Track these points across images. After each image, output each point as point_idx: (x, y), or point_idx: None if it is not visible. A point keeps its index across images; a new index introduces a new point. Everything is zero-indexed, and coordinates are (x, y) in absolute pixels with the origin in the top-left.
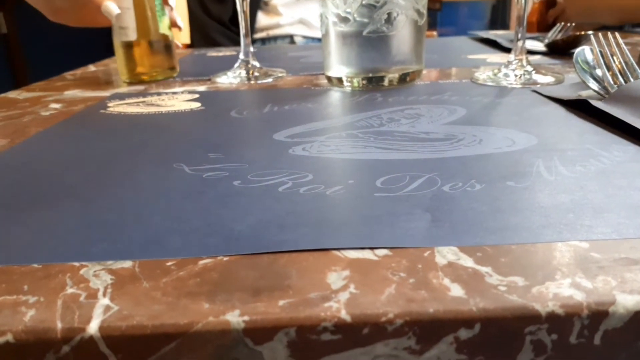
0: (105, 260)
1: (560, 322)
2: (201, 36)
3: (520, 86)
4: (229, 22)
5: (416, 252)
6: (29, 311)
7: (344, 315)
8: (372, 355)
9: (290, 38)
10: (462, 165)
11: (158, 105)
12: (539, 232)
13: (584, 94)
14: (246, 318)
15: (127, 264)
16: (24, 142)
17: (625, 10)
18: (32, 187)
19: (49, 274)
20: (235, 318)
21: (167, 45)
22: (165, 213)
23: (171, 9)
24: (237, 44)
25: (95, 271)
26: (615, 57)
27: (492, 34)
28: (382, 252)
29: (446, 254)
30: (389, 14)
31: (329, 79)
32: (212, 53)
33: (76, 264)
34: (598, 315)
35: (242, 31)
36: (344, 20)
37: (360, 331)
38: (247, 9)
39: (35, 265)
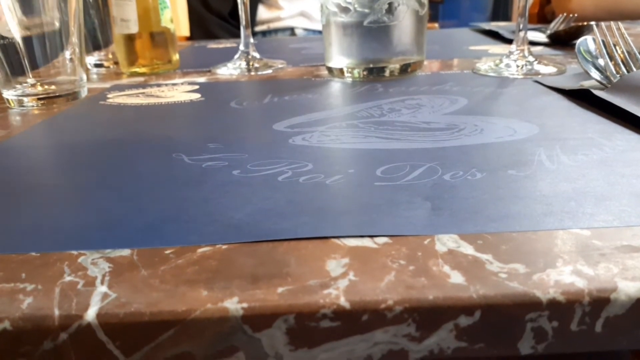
0: (104, 249)
1: (561, 309)
2: (201, 30)
3: (522, 77)
4: (228, 16)
5: (416, 240)
6: (26, 299)
7: (343, 302)
8: (371, 342)
9: (291, 31)
10: (463, 155)
11: (158, 97)
12: (540, 220)
13: (586, 84)
14: (245, 305)
15: (126, 252)
16: (23, 132)
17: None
18: (30, 177)
19: (47, 262)
20: (233, 305)
21: (168, 38)
22: (163, 202)
23: None
24: (237, 37)
25: (93, 259)
26: (617, 47)
27: (494, 26)
28: (381, 240)
29: (446, 242)
30: (390, 4)
31: (330, 69)
32: (212, 45)
33: (74, 252)
34: (599, 302)
35: (242, 22)
36: (345, 10)
37: (359, 318)
38: (247, 0)
39: (34, 254)
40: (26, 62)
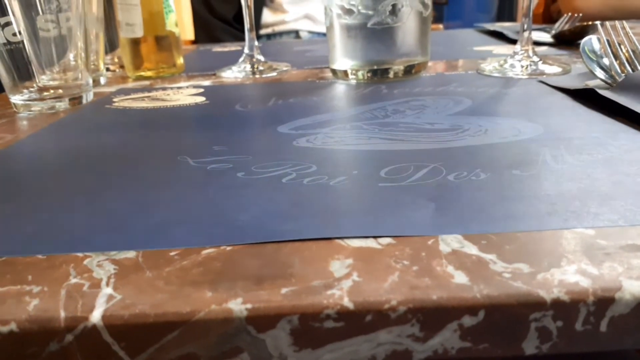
0: (109, 251)
1: (565, 308)
2: (205, 35)
3: (526, 77)
4: (233, 20)
5: (420, 240)
6: (32, 301)
7: (347, 302)
8: (375, 342)
9: (296, 33)
10: (467, 155)
11: (163, 100)
12: (544, 219)
13: (591, 83)
14: (249, 306)
15: (131, 254)
16: (30, 136)
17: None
18: (37, 180)
19: (53, 264)
20: (238, 306)
21: (173, 42)
22: (168, 204)
23: None
24: (242, 41)
25: (98, 261)
26: (622, 46)
27: (499, 26)
28: (385, 240)
29: (450, 242)
30: (394, 6)
31: (334, 71)
32: (217, 48)
33: (80, 254)
34: (604, 301)
35: (246, 25)
36: (349, 12)
37: (363, 318)
38: (251, 3)
39: (40, 256)
40: (32, 67)
